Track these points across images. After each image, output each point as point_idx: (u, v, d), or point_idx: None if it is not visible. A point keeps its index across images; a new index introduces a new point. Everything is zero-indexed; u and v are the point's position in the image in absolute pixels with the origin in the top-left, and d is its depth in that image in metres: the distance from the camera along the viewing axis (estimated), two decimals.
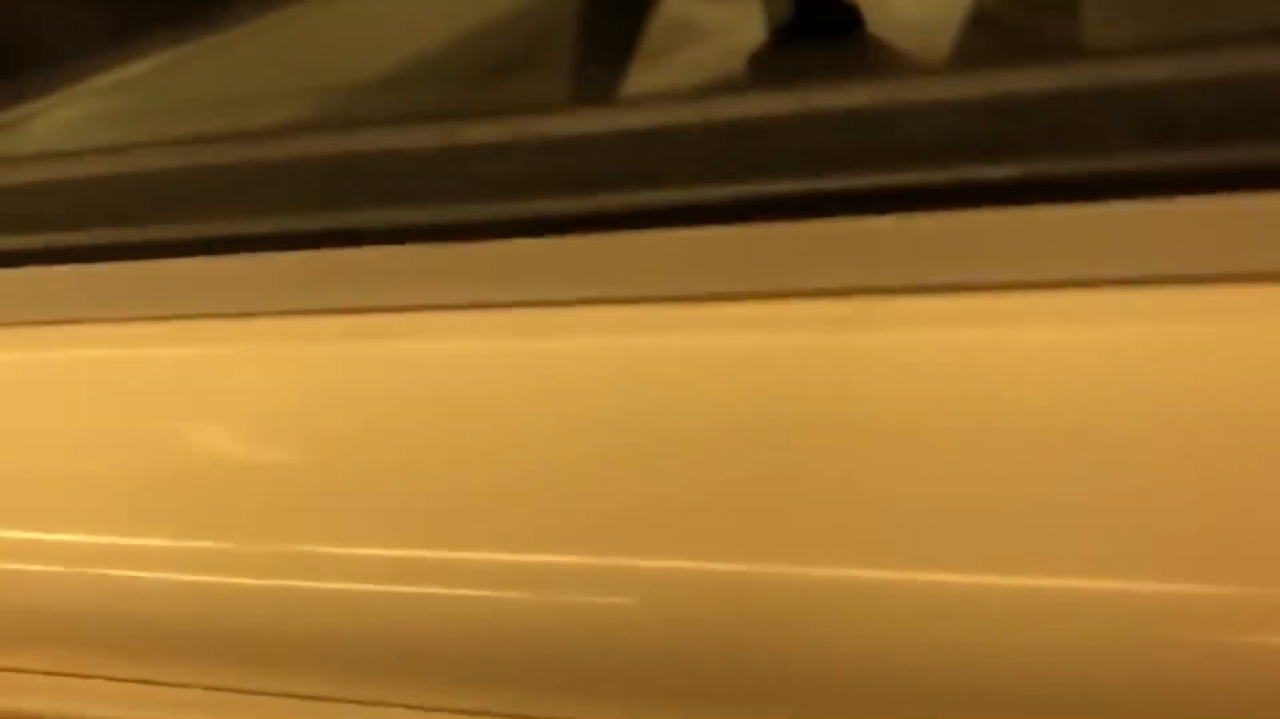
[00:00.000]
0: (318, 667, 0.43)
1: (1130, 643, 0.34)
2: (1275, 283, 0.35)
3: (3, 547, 0.48)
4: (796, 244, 0.39)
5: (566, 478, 0.40)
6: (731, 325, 0.40)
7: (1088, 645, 0.34)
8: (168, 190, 0.48)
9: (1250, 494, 0.34)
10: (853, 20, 0.76)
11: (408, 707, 0.42)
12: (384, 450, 0.43)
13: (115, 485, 0.46)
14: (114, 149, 0.52)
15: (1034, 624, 0.35)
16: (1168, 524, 0.34)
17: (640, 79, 0.79)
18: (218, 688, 0.44)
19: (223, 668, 0.44)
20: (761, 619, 0.37)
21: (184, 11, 0.75)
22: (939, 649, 0.36)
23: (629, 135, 0.42)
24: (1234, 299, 0.36)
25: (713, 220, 0.40)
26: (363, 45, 0.80)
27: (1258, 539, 0.33)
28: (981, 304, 0.38)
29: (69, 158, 0.53)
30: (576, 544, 0.40)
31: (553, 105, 0.45)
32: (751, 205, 0.39)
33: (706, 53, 0.82)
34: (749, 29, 0.79)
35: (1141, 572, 0.34)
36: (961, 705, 0.36)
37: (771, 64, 0.76)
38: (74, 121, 0.71)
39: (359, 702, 0.42)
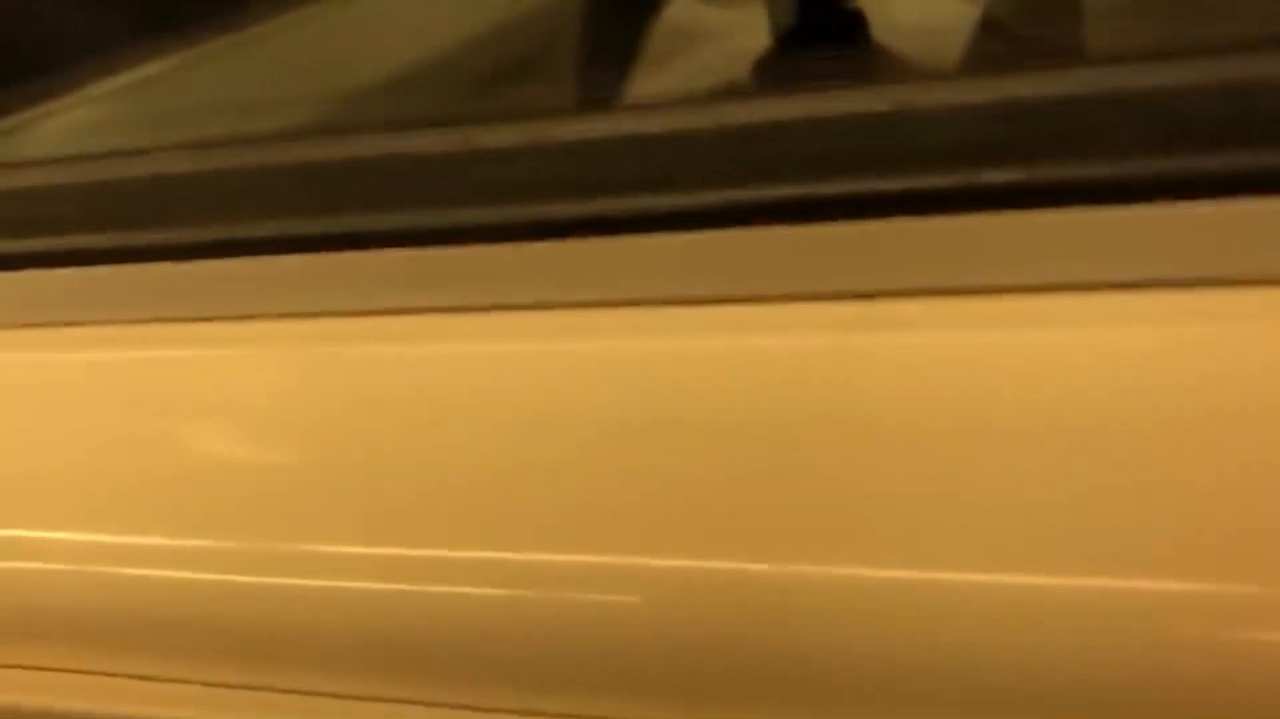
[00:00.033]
0: (321, 663, 0.43)
1: (1132, 642, 0.34)
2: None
3: (9, 545, 0.48)
4: (803, 247, 0.40)
5: (573, 477, 0.40)
6: (739, 328, 0.41)
7: (1091, 645, 0.35)
8: (174, 194, 0.48)
9: (1257, 495, 0.34)
10: (857, 26, 0.76)
11: (411, 703, 0.42)
12: (390, 450, 0.43)
13: (117, 485, 0.46)
14: (125, 153, 0.52)
15: (1036, 624, 0.35)
16: (1173, 525, 0.34)
17: (644, 84, 0.79)
18: (219, 684, 0.45)
19: (227, 664, 0.44)
20: (766, 618, 0.37)
21: (192, 15, 0.75)
22: (944, 648, 0.36)
23: (635, 140, 0.42)
24: (1239, 302, 0.36)
25: (719, 224, 0.40)
26: (365, 50, 0.80)
27: (1261, 539, 0.34)
28: (988, 307, 0.38)
29: (82, 161, 0.53)
30: (582, 543, 0.40)
31: (559, 110, 0.45)
32: (758, 209, 0.39)
33: (710, 58, 0.82)
34: (753, 34, 0.79)
35: (1142, 571, 0.34)
36: (966, 704, 0.36)
37: (776, 69, 0.76)
38: (84, 125, 0.71)
39: (359, 698, 0.43)
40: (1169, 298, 0.36)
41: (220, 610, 0.44)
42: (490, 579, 0.41)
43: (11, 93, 0.67)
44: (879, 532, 0.37)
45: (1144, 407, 0.35)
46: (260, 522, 0.44)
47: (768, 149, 0.40)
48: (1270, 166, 0.35)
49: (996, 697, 0.36)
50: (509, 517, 0.41)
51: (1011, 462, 0.36)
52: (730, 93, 0.47)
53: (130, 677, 0.46)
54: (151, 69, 0.73)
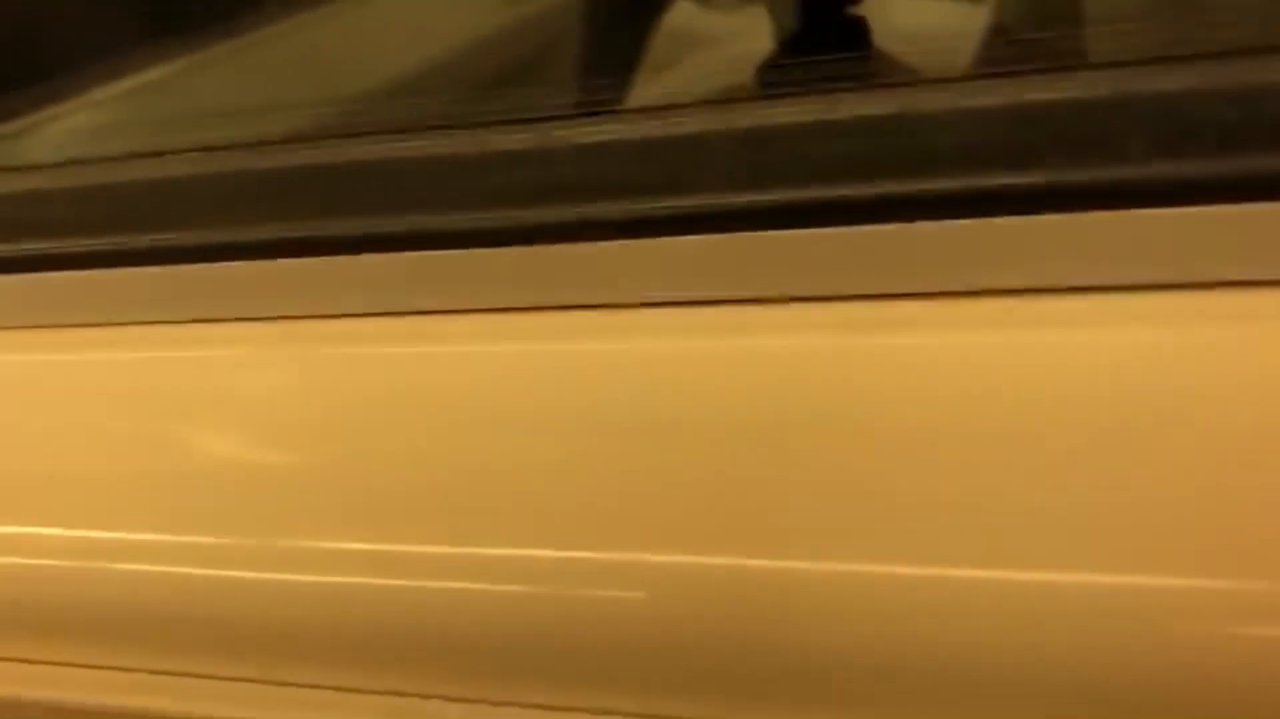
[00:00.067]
0: (323, 658, 0.43)
1: (1137, 638, 0.34)
2: None
3: (15, 542, 0.48)
4: (810, 250, 0.40)
5: (582, 476, 0.41)
6: (748, 329, 0.41)
7: (1094, 644, 0.35)
8: (182, 197, 0.49)
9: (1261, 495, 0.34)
10: (859, 32, 0.76)
11: (414, 696, 0.42)
12: (394, 449, 0.43)
13: (120, 484, 0.47)
14: (131, 156, 0.52)
15: (1038, 623, 0.35)
16: (1175, 525, 0.35)
17: (646, 90, 0.79)
18: (217, 677, 0.45)
19: (228, 659, 0.44)
20: (770, 614, 0.38)
21: (197, 19, 0.75)
22: (948, 645, 0.36)
23: (641, 144, 0.42)
24: (1248, 305, 0.36)
25: (727, 227, 0.40)
26: (369, 55, 0.80)
27: (1262, 538, 0.34)
28: (995, 309, 0.38)
29: (88, 164, 0.54)
30: (588, 540, 0.40)
31: (565, 113, 0.45)
32: (765, 212, 0.40)
33: (712, 64, 0.82)
34: (754, 40, 0.79)
35: (1144, 569, 0.35)
36: (969, 700, 0.36)
37: (778, 75, 0.76)
38: (90, 129, 0.71)
39: (361, 691, 0.43)
40: (1176, 300, 0.37)
41: (223, 606, 0.44)
42: (495, 575, 0.41)
43: (18, 97, 0.67)
44: (886, 529, 0.37)
45: (1150, 408, 0.36)
46: (264, 519, 0.44)
47: (774, 152, 0.40)
48: (1277, 170, 0.35)
49: (1004, 691, 0.36)
50: (514, 514, 0.41)
51: (1022, 462, 0.36)
52: (736, 96, 0.47)
53: (128, 670, 0.46)
54: (156, 73, 0.73)
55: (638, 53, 0.84)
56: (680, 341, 0.41)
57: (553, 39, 0.88)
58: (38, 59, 0.72)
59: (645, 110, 0.47)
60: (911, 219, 0.38)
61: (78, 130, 0.70)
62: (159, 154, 0.50)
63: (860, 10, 0.76)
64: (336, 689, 0.43)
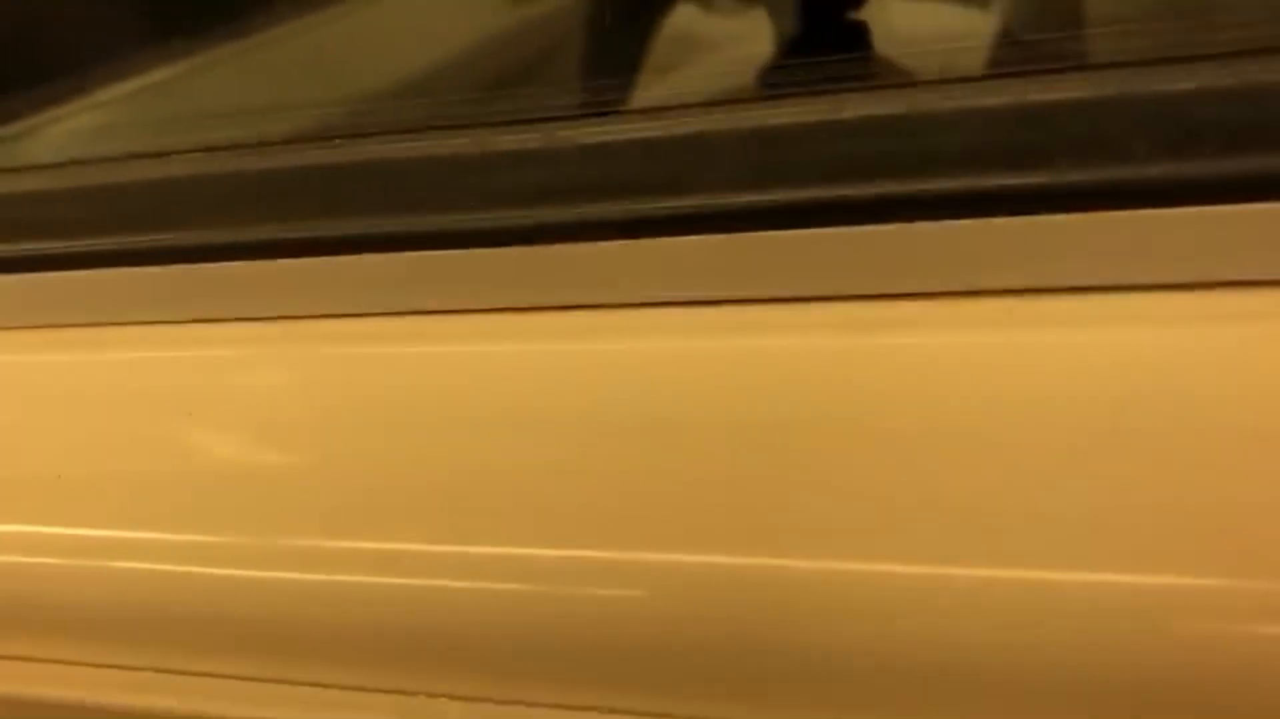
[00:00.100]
0: (325, 656, 0.43)
1: (1140, 637, 0.34)
2: None
3: (17, 541, 0.48)
4: (813, 251, 0.40)
5: (583, 475, 0.41)
6: (753, 330, 0.41)
7: (1094, 644, 0.35)
8: (187, 197, 0.49)
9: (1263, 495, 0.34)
10: (859, 36, 0.76)
11: (415, 694, 0.42)
12: (394, 449, 0.43)
13: (120, 483, 0.47)
14: (135, 156, 0.52)
15: (1039, 623, 0.35)
16: (1177, 524, 0.34)
17: (648, 92, 0.79)
18: (218, 675, 0.45)
19: (228, 657, 0.45)
20: (771, 613, 0.38)
21: (201, 21, 0.75)
22: (949, 645, 0.36)
23: (645, 144, 0.42)
24: (1253, 305, 0.36)
25: (731, 227, 0.40)
26: (372, 56, 0.80)
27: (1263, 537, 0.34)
28: (999, 309, 0.38)
29: (91, 165, 0.54)
30: (589, 539, 0.40)
31: (570, 114, 0.45)
32: (769, 212, 0.40)
33: (713, 67, 0.82)
34: (755, 44, 0.79)
35: (1145, 569, 0.35)
36: (970, 700, 0.36)
37: (779, 79, 0.76)
38: (93, 130, 0.71)
39: (363, 689, 0.43)
40: (1178, 300, 0.37)
41: (224, 605, 0.44)
42: (495, 574, 0.41)
43: (21, 98, 0.67)
44: (887, 528, 0.37)
45: (1152, 409, 0.36)
46: (266, 518, 0.44)
47: (775, 152, 0.40)
48: None
49: (1004, 691, 0.36)
50: (515, 513, 0.41)
51: (1023, 461, 0.36)
52: (741, 96, 0.47)
53: (128, 669, 0.46)
54: (160, 74, 0.73)
55: (640, 55, 0.84)
56: (681, 341, 0.41)
57: (556, 41, 0.88)
58: (41, 60, 0.72)
59: (647, 111, 0.47)
60: (912, 219, 0.38)
61: (80, 132, 0.70)
62: (159, 154, 0.50)
63: (860, 15, 0.76)
64: (337, 688, 0.43)
